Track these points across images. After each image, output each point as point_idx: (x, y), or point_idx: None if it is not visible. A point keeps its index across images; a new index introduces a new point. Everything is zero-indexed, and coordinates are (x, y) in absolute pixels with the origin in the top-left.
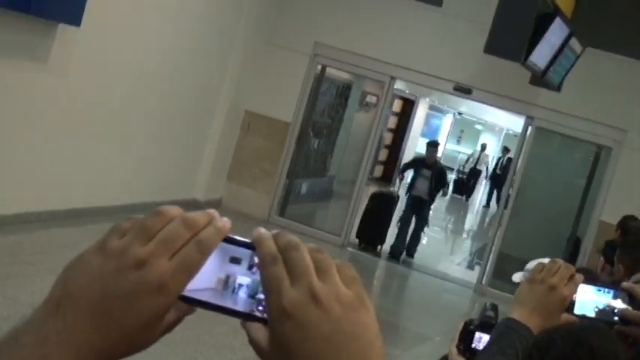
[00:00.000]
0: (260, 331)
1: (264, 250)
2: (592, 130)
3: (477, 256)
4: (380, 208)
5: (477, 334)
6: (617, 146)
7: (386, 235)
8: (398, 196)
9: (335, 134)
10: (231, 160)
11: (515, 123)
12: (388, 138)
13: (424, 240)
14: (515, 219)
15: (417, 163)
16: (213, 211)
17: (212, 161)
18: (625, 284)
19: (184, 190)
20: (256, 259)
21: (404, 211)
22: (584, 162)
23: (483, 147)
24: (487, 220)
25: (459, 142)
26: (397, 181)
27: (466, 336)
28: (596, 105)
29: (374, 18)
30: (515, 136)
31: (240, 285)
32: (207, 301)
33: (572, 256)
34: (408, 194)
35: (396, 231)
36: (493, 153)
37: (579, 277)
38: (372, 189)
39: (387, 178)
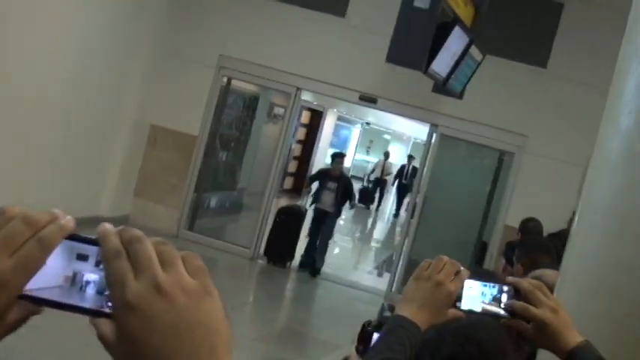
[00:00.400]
0: (107, 326)
1: (108, 246)
2: (495, 136)
3: (387, 264)
4: (287, 223)
5: (375, 335)
6: (519, 151)
7: (294, 250)
8: (306, 210)
9: (243, 146)
10: (137, 176)
11: (421, 131)
12: (297, 149)
13: (335, 250)
14: (423, 226)
15: (322, 175)
16: (57, 211)
17: (118, 177)
18: (510, 278)
19: (89, 208)
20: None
21: (310, 224)
22: (489, 168)
23: (387, 155)
24: (397, 229)
25: (368, 152)
26: (306, 194)
27: (364, 337)
28: (497, 111)
29: (278, 29)
30: (424, 144)
31: (88, 282)
32: (52, 299)
33: (478, 261)
34: (313, 207)
35: (305, 245)
36: (399, 161)
37: (465, 272)
38: (283, 201)
39: (297, 190)
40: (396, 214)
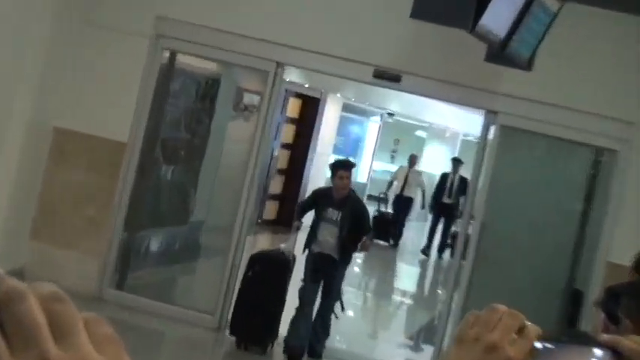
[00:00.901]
0: None
1: None
2: (587, 127)
3: (427, 332)
4: (265, 280)
5: None
6: (626, 148)
7: (278, 325)
8: (294, 258)
9: (199, 157)
10: (35, 206)
11: (473, 123)
12: (283, 159)
13: (346, 313)
14: (481, 272)
15: (318, 199)
16: None
17: (4, 211)
18: (606, 337)
19: None
20: None
21: (302, 281)
22: (579, 175)
23: (412, 160)
24: (429, 275)
25: (393, 158)
26: (295, 229)
27: None
28: (588, 88)
29: None
30: (477, 142)
31: None
32: None
33: (570, 318)
34: (306, 252)
35: (292, 316)
36: (439, 170)
37: (533, 329)
38: (262, 240)
39: (284, 221)
40: (425, 252)
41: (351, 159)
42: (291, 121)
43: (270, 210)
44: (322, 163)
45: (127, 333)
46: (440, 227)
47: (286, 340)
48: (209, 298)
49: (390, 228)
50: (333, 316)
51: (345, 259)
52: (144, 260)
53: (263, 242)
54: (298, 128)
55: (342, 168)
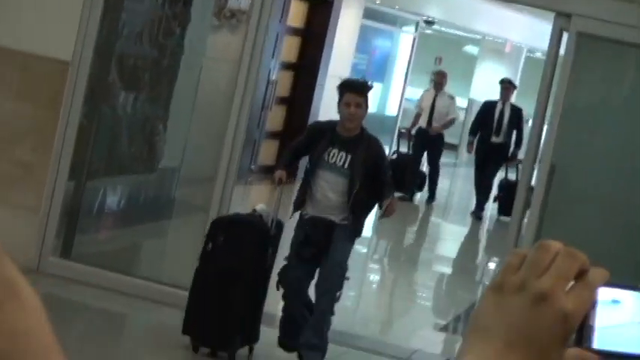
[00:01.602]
0: None
1: None
2: None
3: (467, 318)
4: (231, 257)
5: None
6: None
7: (255, 321)
8: (278, 224)
9: (169, 81)
10: None
11: (542, 34)
12: (284, 83)
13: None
14: (550, 232)
15: (316, 137)
16: None
17: None
18: None
19: None
20: None
21: (286, 259)
22: None
23: (439, 80)
24: (482, 241)
25: (433, 83)
26: (278, 182)
27: None
28: None
29: None
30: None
31: None
32: None
33: None
34: (297, 215)
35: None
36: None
37: (598, 274)
38: (259, 191)
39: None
40: (478, 213)
41: (369, 80)
42: (295, 32)
43: (268, 152)
44: (336, 89)
45: (75, 315)
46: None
47: (279, 336)
48: (184, 270)
49: (412, 176)
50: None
51: (356, 228)
52: (97, 219)
53: (258, 195)
54: (304, 42)
55: (351, 90)
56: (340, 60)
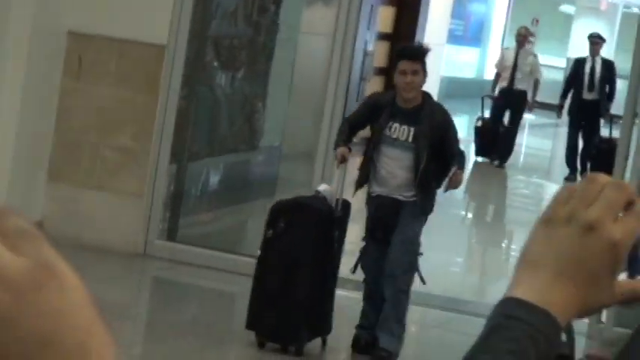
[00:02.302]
0: None
1: None
2: None
3: None
4: (295, 244)
5: None
6: None
7: (326, 313)
8: (345, 204)
9: (265, 59)
10: (52, 138)
11: None
12: (381, 53)
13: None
14: None
15: (376, 110)
16: None
17: (11, 146)
18: None
19: None
20: None
21: (363, 240)
22: None
23: (521, 37)
24: None
25: (531, 44)
26: (339, 161)
27: None
28: None
29: None
30: None
31: None
32: None
33: None
34: (364, 195)
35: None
36: (573, 54)
37: None
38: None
39: None
40: (572, 174)
41: (424, 45)
42: (389, 2)
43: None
44: (434, 56)
45: (184, 296)
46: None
47: (356, 329)
48: None
49: (498, 140)
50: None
51: (425, 205)
52: (201, 201)
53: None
54: (398, 11)
55: (406, 57)
56: (436, 27)
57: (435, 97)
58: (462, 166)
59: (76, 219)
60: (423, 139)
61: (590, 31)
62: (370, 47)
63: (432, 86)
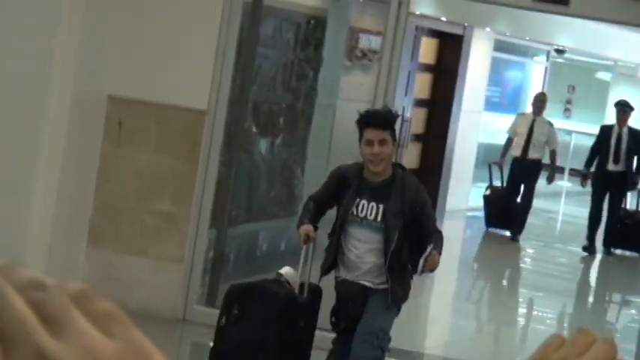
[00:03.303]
0: None
1: None
2: None
3: None
4: (251, 333)
5: None
6: None
7: None
8: (317, 290)
9: (304, 124)
10: (92, 202)
11: None
12: (418, 120)
13: None
14: None
15: (342, 185)
16: None
17: (52, 209)
18: None
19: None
20: None
21: (331, 325)
22: None
23: (538, 104)
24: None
25: (568, 111)
26: (304, 243)
27: None
28: None
29: None
30: None
31: None
32: None
33: None
34: (327, 278)
35: None
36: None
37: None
38: None
39: None
40: (589, 248)
41: (393, 109)
42: (426, 68)
43: None
44: (471, 123)
45: None
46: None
47: None
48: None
49: (512, 211)
50: None
51: (396, 294)
52: (240, 266)
53: None
54: (436, 78)
55: (371, 125)
56: (473, 94)
57: (473, 164)
58: (438, 246)
59: (116, 284)
60: (393, 217)
61: (627, 99)
62: (408, 114)
63: (469, 153)
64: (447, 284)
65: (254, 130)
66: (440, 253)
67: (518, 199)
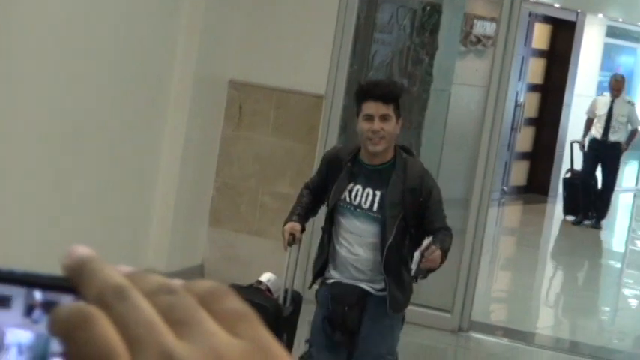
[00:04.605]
0: None
1: (92, 290)
2: None
3: None
4: None
5: None
6: None
7: None
8: (297, 298)
9: (419, 109)
10: (213, 184)
11: None
12: (532, 104)
13: None
14: None
15: (333, 169)
16: None
17: (173, 191)
18: None
19: (127, 255)
20: (37, 297)
21: (307, 343)
22: None
23: (615, 84)
24: None
25: None
26: (288, 243)
27: None
28: None
29: None
30: None
31: (16, 346)
32: None
33: None
34: (317, 284)
35: None
36: None
37: None
38: (512, 212)
39: (537, 187)
40: None
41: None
42: (539, 54)
43: (519, 173)
44: (582, 108)
45: None
46: None
47: None
48: (444, 292)
49: (588, 195)
50: None
51: (395, 300)
52: None
53: (511, 217)
54: (549, 63)
55: (371, 97)
56: (585, 79)
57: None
58: (440, 241)
59: (234, 263)
60: (392, 207)
61: None
62: (521, 98)
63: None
64: (558, 266)
65: None
66: (443, 251)
67: (599, 185)
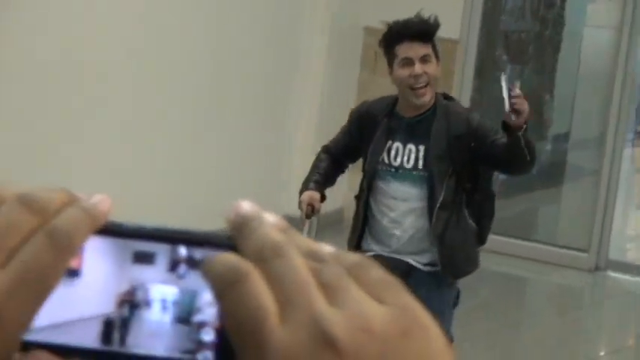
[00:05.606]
0: None
1: (250, 246)
2: None
3: None
4: None
5: None
6: None
7: None
8: None
9: (553, 52)
10: None
11: None
12: None
13: None
14: None
15: (366, 125)
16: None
17: (314, 131)
18: None
19: (269, 202)
20: (181, 253)
21: None
22: None
23: None
24: None
25: None
26: (307, 215)
27: None
28: None
29: None
30: None
31: (160, 301)
32: (89, 346)
33: None
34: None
35: None
36: None
37: None
38: None
39: None
40: None
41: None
42: None
43: None
44: None
45: (478, 281)
46: None
47: None
48: (580, 231)
49: None
50: None
51: (450, 273)
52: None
53: None
54: None
55: (408, 38)
56: None
57: None
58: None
59: None
60: (437, 161)
61: None
62: None
63: None
64: None
65: (504, 58)
66: (526, 140)
67: None
